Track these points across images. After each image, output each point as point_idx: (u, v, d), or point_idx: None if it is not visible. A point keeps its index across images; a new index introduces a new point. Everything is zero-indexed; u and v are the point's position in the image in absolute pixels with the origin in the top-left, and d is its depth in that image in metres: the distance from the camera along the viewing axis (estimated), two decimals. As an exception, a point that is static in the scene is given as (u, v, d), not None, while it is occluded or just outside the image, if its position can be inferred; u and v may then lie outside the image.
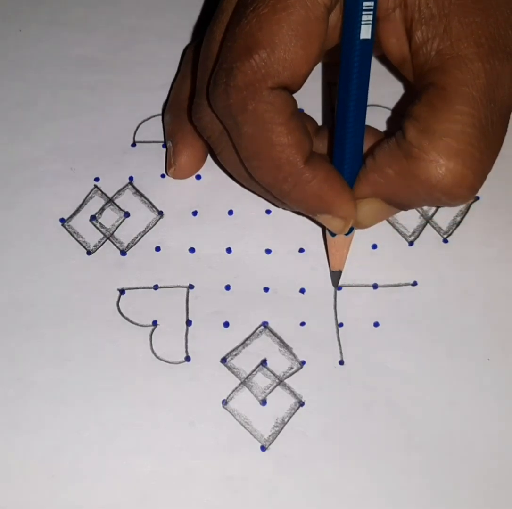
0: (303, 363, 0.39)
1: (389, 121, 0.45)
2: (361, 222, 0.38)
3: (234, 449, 0.38)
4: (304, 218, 0.42)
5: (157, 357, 0.39)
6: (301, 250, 0.42)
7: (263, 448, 0.38)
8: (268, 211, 0.42)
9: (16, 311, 0.40)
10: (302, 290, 0.41)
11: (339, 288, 0.41)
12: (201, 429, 0.38)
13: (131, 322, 0.40)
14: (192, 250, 0.42)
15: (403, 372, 0.39)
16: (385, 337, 0.40)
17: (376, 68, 0.43)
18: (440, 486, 0.37)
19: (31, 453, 0.38)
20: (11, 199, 0.43)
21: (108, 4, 0.48)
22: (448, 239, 0.42)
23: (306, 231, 0.42)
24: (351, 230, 0.39)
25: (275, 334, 0.40)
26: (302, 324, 0.40)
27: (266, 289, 0.41)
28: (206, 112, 0.37)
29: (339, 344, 0.40)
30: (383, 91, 0.45)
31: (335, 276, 0.41)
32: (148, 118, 0.45)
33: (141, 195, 0.43)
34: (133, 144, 0.44)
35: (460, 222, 0.42)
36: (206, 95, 0.37)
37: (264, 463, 0.38)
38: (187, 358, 0.39)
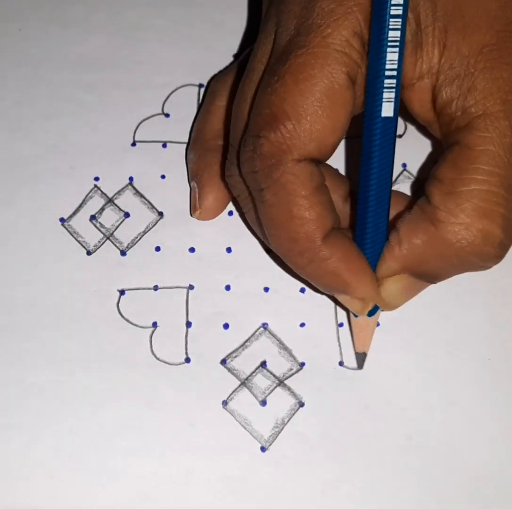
0: (303, 364, 0.39)
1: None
2: (389, 302, 0.37)
3: (234, 449, 0.38)
4: None
5: (157, 359, 0.39)
6: None
7: (263, 449, 0.38)
8: None
9: (15, 311, 0.40)
10: (302, 290, 0.41)
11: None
12: (201, 429, 0.38)
13: (131, 323, 0.40)
14: (192, 250, 0.42)
15: (403, 372, 0.39)
16: (385, 337, 0.40)
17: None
18: (440, 486, 0.37)
19: (31, 453, 0.38)
20: (11, 198, 0.42)
21: (108, 3, 0.47)
22: None
23: None
24: (375, 310, 0.37)
25: (274, 336, 0.40)
26: (302, 324, 0.40)
27: (266, 289, 0.41)
28: (236, 171, 0.37)
29: (339, 345, 0.40)
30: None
31: (360, 358, 0.39)
32: (148, 118, 0.44)
33: (141, 195, 0.43)
34: (133, 144, 0.44)
35: None
36: (237, 156, 0.36)
37: (264, 464, 0.37)
38: (187, 360, 0.39)
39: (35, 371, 0.39)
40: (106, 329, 0.40)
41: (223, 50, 0.46)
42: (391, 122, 0.34)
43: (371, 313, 0.37)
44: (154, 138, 0.44)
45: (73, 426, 0.38)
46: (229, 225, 0.42)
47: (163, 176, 0.43)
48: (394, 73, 0.33)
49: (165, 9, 0.47)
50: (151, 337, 0.40)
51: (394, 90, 0.33)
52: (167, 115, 0.44)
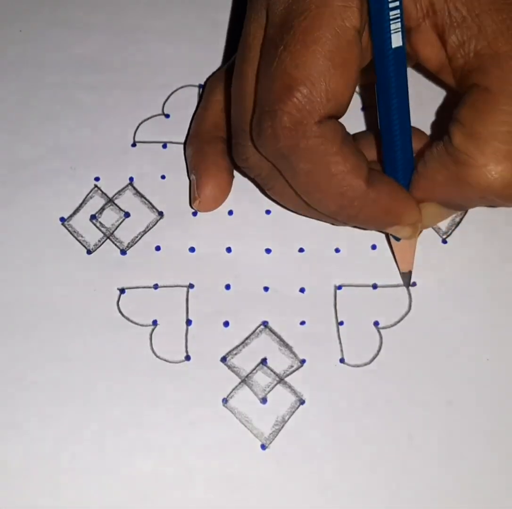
0: (303, 361, 0.39)
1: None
2: (426, 224, 0.39)
3: (234, 447, 0.37)
4: (304, 218, 0.41)
5: (157, 357, 0.39)
6: (301, 250, 0.41)
7: (263, 447, 0.37)
8: (267, 211, 0.42)
9: (16, 310, 0.40)
10: (302, 290, 0.41)
11: (339, 287, 0.40)
12: (201, 428, 0.38)
13: (131, 321, 0.40)
14: (192, 249, 0.41)
15: (403, 371, 0.39)
16: (384, 336, 0.39)
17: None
18: (440, 486, 0.37)
19: (31, 453, 0.37)
20: (11, 198, 0.42)
21: (108, 4, 0.47)
22: (447, 239, 0.41)
23: (306, 230, 0.42)
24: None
25: (275, 333, 0.39)
26: (302, 323, 0.40)
27: (266, 289, 0.41)
28: (251, 152, 0.37)
29: (340, 342, 0.39)
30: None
31: (406, 277, 0.40)
32: (148, 118, 0.44)
33: (141, 195, 0.42)
34: (133, 144, 0.44)
35: (459, 222, 0.42)
36: (250, 137, 0.36)
37: (264, 462, 0.37)
38: (187, 357, 0.39)
39: (35, 370, 0.39)
40: (106, 328, 0.39)
41: (223, 51, 0.46)
42: (402, 51, 0.35)
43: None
44: (154, 138, 0.44)
45: (73, 425, 0.38)
46: (229, 225, 0.42)
47: (163, 176, 0.43)
48: (397, 3, 0.34)
49: (165, 11, 0.47)
50: (151, 335, 0.39)
51: (399, 19, 0.34)
52: (167, 116, 0.44)
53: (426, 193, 0.37)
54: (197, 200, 0.41)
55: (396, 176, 0.37)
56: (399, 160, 0.37)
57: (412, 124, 0.37)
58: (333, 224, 0.40)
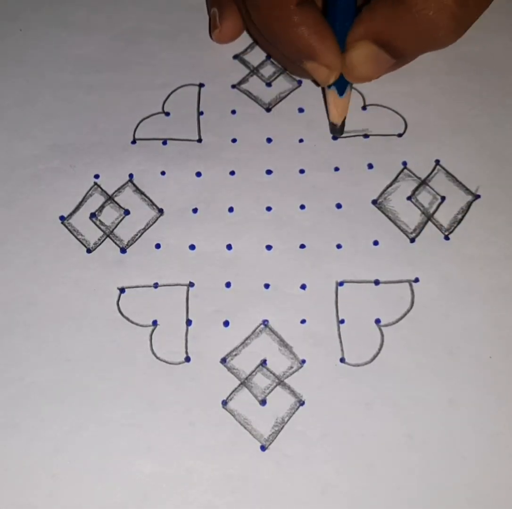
0: (303, 361, 0.38)
1: (390, 121, 0.44)
2: (354, 69, 0.39)
3: (234, 448, 0.37)
4: (305, 215, 0.41)
5: (157, 358, 0.38)
6: (302, 246, 0.41)
7: (263, 448, 0.37)
8: (268, 208, 0.41)
9: (15, 310, 0.39)
10: (303, 286, 0.40)
11: (341, 284, 0.40)
12: (201, 429, 0.37)
13: (131, 322, 0.39)
14: (192, 247, 0.41)
15: (404, 370, 0.38)
16: (386, 334, 0.39)
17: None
18: (440, 486, 0.36)
19: (31, 453, 0.37)
20: (11, 196, 0.42)
21: (108, 5, 0.47)
22: (449, 236, 0.41)
23: (307, 227, 0.41)
24: (345, 86, 0.40)
25: (275, 333, 0.39)
26: (303, 321, 0.39)
27: (266, 286, 0.40)
28: None
29: (340, 342, 0.39)
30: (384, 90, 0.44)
31: (333, 126, 0.42)
32: (148, 116, 0.44)
33: (141, 192, 0.42)
34: (133, 141, 0.43)
35: (461, 219, 0.41)
36: None
37: (264, 463, 0.37)
38: (187, 359, 0.38)
39: (35, 370, 0.38)
40: (106, 328, 0.39)
41: (223, 52, 0.45)
42: None
43: (341, 91, 0.40)
44: (154, 136, 0.43)
45: (73, 426, 0.37)
46: (229, 222, 0.41)
47: (163, 173, 0.42)
48: None
49: (165, 13, 0.47)
50: (151, 335, 0.39)
51: None
52: (167, 114, 0.44)
53: (363, 27, 0.38)
54: (218, 29, 0.44)
55: (334, 24, 0.38)
56: (340, 9, 0.38)
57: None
58: (276, 60, 0.45)
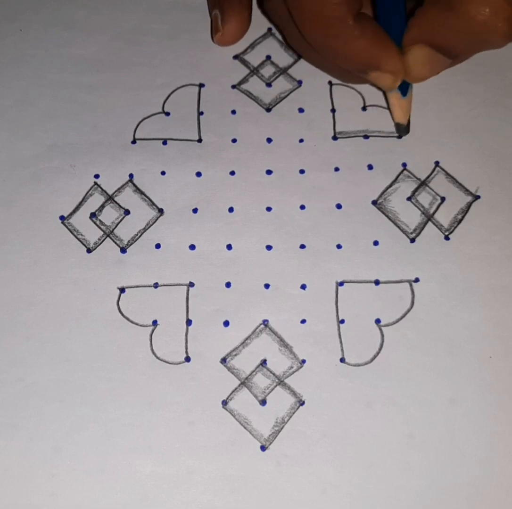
0: (303, 361, 0.38)
1: (390, 122, 0.44)
2: (412, 71, 0.39)
3: (234, 448, 0.37)
4: (305, 215, 0.41)
5: (157, 358, 0.38)
6: (302, 246, 0.41)
7: (263, 448, 0.37)
8: (268, 208, 0.41)
9: (15, 310, 0.39)
10: (303, 286, 0.40)
11: (341, 284, 0.40)
12: (201, 429, 0.37)
13: (131, 321, 0.39)
14: (192, 247, 0.40)
15: (404, 369, 0.38)
16: (386, 334, 0.39)
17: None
18: (441, 485, 0.36)
19: (31, 453, 0.37)
20: (11, 196, 0.42)
21: (108, 5, 0.47)
22: (449, 236, 0.41)
23: (307, 227, 0.41)
24: (407, 88, 0.41)
25: (275, 333, 0.39)
26: (303, 321, 0.39)
27: (266, 286, 0.40)
28: None
29: (340, 342, 0.39)
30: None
31: (400, 127, 0.43)
32: (149, 116, 0.43)
33: (141, 192, 0.42)
34: (133, 141, 0.43)
35: (461, 219, 0.41)
36: None
37: (264, 463, 0.37)
38: (187, 359, 0.38)
39: (35, 370, 0.38)
40: (106, 328, 0.39)
41: (223, 53, 0.45)
42: None
43: (404, 92, 0.41)
44: (154, 136, 0.43)
45: (73, 425, 0.37)
46: (229, 222, 0.41)
47: (163, 172, 0.42)
48: None
49: (165, 13, 0.47)
50: (151, 335, 0.39)
51: None
52: (167, 114, 0.44)
53: (418, 30, 0.38)
54: (220, 32, 0.44)
55: (389, 28, 0.39)
56: (391, 14, 0.39)
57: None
58: (336, 77, 0.44)
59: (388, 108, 0.43)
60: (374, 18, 0.40)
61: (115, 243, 0.40)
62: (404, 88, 0.41)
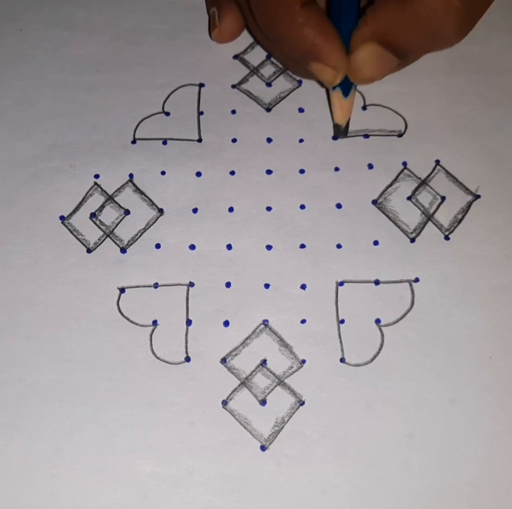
0: (303, 361, 0.38)
1: (390, 121, 0.43)
2: (359, 71, 0.39)
3: (234, 448, 0.37)
4: (305, 215, 0.41)
5: (157, 358, 0.38)
6: (302, 246, 0.41)
7: (263, 448, 0.37)
8: (268, 208, 0.41)
9: (15, 310, 0.39)
10: (303, 286, 0.40)
11: (341, 283, 0.39)
12: (201, 429, 0.37)
13: (131, 321, 0.39)
14: (192, 247, 0.40)
15: (404, 369, 0.38)
16: (386, 334, 0.39)
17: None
18: (441, 485, 0.36)
19: (31, 453, 0.37)
20: (11, 196, 0.42)
21: (108, 5, 0.47)
22: (449, 236, 0.41)
23: (307, 227, 0.41)
24: (350, 88, 0.40)
25: (275, 333, 0.39)
26: (303, 321, 0.39)
27: (266, 286, 0.40)
28: None
29: (340, 342, 0.39)
30: (384, 90, 0.44)
31: (337, 127, 0.42)
32: (149, 116, 0.43)
33: (141, 192, 0.42)
34: (133, 141, 0.43)
35: (461, 219, 0.41)
36: None
37: (264, 463, 0.36)
38: (187, 359, 0.38)
39: (35, 370, 0.38)
40: (106, 328, 0.39)
41: (223, 52, 0.45)
42: None
43: (346, 92, 0.40)
44: (154, 136, 0.43)
45: (73, 425, 0.37)
46: (229, 222, 0.41)
47: (163, 172, 0.42)
48: None
49: (165, 13, 0.47)
50: (151, 335, 0.38)
51: None
52: (167, 114, 0.44)
53: (369, 28, 0.37)
54: (217, 29, 0.44)
55: (339, 25, 0.38)
56: (343, 11, 0.38)
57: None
58: (277, 59, 0.45)
59: (329, 107, 0.43)
60: (326, 13, 0.40)
61: (115, 243, 0.40)
62: (347, 88, 0.40)
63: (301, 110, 0.43)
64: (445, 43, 0.39)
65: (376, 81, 0.40)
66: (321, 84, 0.43)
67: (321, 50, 0.38)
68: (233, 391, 0.37)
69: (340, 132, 0.42)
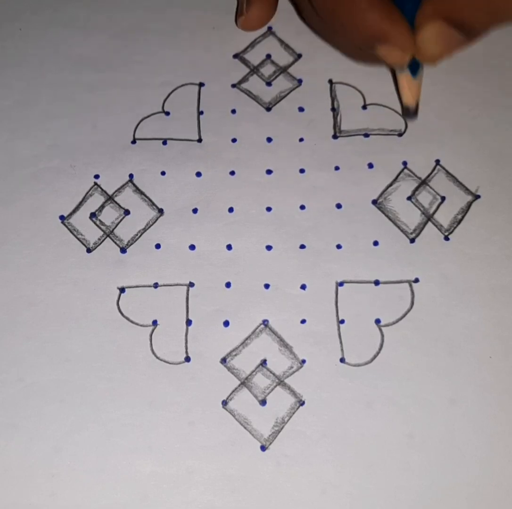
0: (303, 361, 0.38)
1: (390, 121, 0.44)
2: (425, 49, 0.38)
3: (234, 448, 0.37)
4: (305, 215, 0.41)
5: (157, 358, 0.38)
6: (302, 246, 0.41)
7: (263, 448, 0.37)
8: (268, 208, 0.41)
9: (15, 310, 0.39)
10: (303, 286, 0.40)
11: (341, 284, 0.40)
12: (201, 429, 0.37)
13: (131, 321, 0.39)
14: (192, 247, 0.40)
15: (404, 369, 0.38)
16: (386, 334, 0.39)
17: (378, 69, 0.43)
18: (440, 485, 0.36)
19: (31, 453, 0.37)
20: (11, 196, 0.42)
21: (108, 4, 0.46)
22: (449, 236, 0.41)
23: (307, 227, 0.41)
24: (417, 68, 0.39)
25: (275, 333, 0.39)
26: (303, 321, 0.39)
27: (266, 286, 0.40)
28: None
29: (340, 342, 0.39)
30: (383, 90, 0.44)
31: (407, 110, 0.41)
32: (148, 116, 0.43)
33: (141, 192, 0.42)
34: (133, 141, 0.43)
35: (461, 220, 0.41)
36: None
37: (264, 463, 0.37)
38: (187, 359, 0.38)
39: (35, 370, 0.38)
40: (106, 328, 0.39)
41: (223, 52, 0.45)
42: None
43: (414, 73, 0.39)
44: (154, 135, 0.43)
45: (73, 425, 0.37)
46: (229, 222, 0.41)
47: (163, 173, 0.42)
48: None
49: (164, 12, 0.46)
50: (151, 335, 0.39)
51: None
52: (167, 113, 0.43)
53: (434, 8, 0.37)
54: (243, 16, 0.44)
55: (402, 7, 0.37)
56: None
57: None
58: (349, 57, 0.43)
59: (397, 90, 0.42)
60: None
61: (115, 243, 0.40)
62: (415, 69, 0.39)
63: (301, 109, 0.43)
64: (510, 17, 0.37)
65: (445, 59, 0.39)
66: (389, 68, 0.43)
67: (387, 32, 0.37)
68: (233, 391, 0.38)
69: (410, 114, 0.41)
